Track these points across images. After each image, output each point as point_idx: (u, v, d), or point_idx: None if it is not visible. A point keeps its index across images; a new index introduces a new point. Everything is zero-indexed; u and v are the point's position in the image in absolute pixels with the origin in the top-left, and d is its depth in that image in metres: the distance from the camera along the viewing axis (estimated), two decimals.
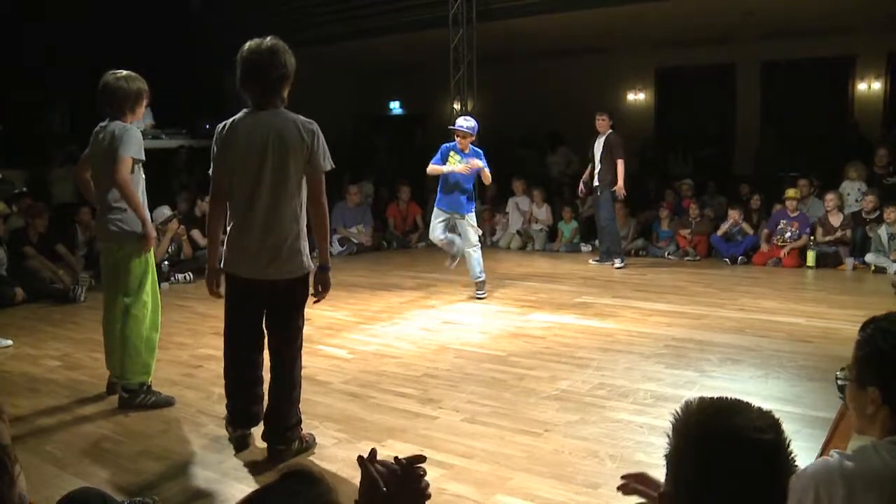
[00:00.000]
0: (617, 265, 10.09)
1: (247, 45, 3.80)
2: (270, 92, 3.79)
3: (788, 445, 1.48)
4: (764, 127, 13.66)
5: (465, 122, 7.99)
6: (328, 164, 3.87)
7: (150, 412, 4.74)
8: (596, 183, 10.15)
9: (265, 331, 4.01)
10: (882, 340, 1.86)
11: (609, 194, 10.05)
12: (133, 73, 4.85)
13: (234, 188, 3.87)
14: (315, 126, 3.84)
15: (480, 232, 8.41)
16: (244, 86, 3.81)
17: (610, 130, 10.07)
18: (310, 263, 3.94)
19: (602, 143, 10.07)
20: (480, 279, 8.16)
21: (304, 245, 3.89)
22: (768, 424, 1.47)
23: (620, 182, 9.89)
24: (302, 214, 3.88)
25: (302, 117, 3.84)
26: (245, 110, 3.86)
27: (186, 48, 13.91)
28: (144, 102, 4.90)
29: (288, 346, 3.96)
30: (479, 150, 8.02)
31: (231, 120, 3.88)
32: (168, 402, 4.89)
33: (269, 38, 3.80)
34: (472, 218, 8.10)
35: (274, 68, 3.75)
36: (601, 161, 10.06)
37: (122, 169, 4.64)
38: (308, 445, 4.08)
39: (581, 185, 10.67)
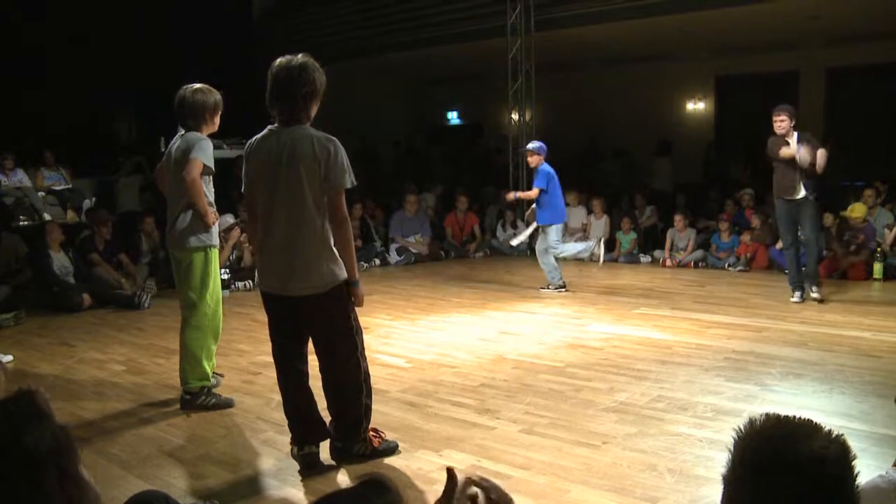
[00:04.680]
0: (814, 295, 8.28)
1: (277, 61, 3.79)
2: (297, 109, 3.76)
3: (855, 478, 1.39)
4: (828, 135, 13.38)
5: (531, 144, 9.27)
6: (348, 180, 3.77)
7: (212, 418, 4.84)
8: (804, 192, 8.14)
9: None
10: None
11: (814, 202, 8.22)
12: (206, 85, 5.00)
13: (258, 205, 3.89)
14: (333, 143, 3.76)
15: (524, 241, 9.73)
16: (272, 102, 3.80)
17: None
18: (338, 276, 3.82)
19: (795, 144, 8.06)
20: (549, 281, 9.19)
21: (330, 260, 3.80)
22: (834, 454, 1.37)
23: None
24: (325, 230, 3.80)
25: (321, 133, 3.78)
26: (270, 127, 3.86)
27: (246, 60, 14.20)
28: (219, 112, 5.05)
29: (334, 355, 3.94)
30: (545, 169, 8.95)
31: (256, 137, 3.90)
32: (228, 404, 5.03)
33: (300, 55, 3.79)
34: (545, 229, 9.04)
35: (302, 85, 3.73)
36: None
37: (193, 168, 4.78)
38: (375, 451, 4.07)
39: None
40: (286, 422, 4.08)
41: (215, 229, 5.07)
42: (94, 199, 12.32)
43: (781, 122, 8.11)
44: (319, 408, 4.06)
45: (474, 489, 1.51)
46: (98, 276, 9.12)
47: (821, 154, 7.89)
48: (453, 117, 19.28)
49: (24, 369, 6.16)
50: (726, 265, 10.67)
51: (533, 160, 9.11)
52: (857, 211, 9.91)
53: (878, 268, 9.48)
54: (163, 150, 8.58)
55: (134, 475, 3.93)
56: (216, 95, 5.00)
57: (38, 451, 1.41)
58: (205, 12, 14.78)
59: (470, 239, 13.02)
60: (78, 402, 5.19)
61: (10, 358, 6.48)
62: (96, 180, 12.92)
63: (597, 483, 3.68)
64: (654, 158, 14.45)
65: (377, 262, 11.88)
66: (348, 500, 1.36)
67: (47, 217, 10.70)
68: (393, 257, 12.13)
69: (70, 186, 12.16)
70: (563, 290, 9.09)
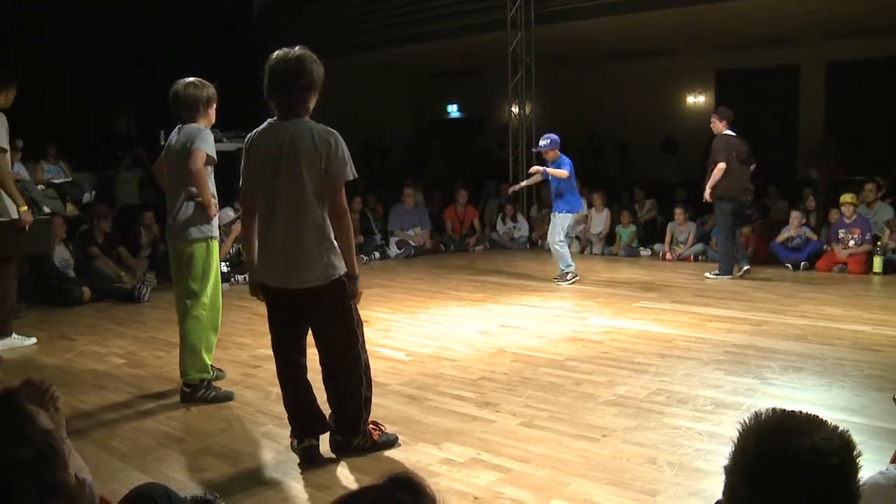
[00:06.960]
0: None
1: (274, 54, 3.76)
2: (295, 101, 3.74)
3: (857, 471, 1.39)
4: (828, 129, 13.36)
5: (541, 142, 9.31)
6: (349, 173, 3.76)
7: (211, 411, 4.84)
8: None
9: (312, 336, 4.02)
10: None
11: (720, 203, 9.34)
12: (200, 79, 5.01)
13: (258, 198, 3.88)
14: (333, 135, 3.74)
15: (564, 232, 9.42)
16: (270, 95, 3.77)
17: (723, 132, 9.36)
18: (338, 268, 3.81)
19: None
20: (562, 271, 9.33)
21: (330, 253, 3.79)
22: (835, 448, 1.37)
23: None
24: (326, 223, 3.79)
25: (321, 126, 3.76)
26: (270, 120, 3.84)
27: (246, 54, 14.16)
28: (214, 105, 5.05)
29: (334, 348, 3.93)
30: (565, 158, 9.22)
31: (255, 131, 3.88)
32: (227, 397, 5.04)
33: (297, 48, 3.77)
34: (559, 217, 9.29)
35: (300, 77, 3.71)
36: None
37: (197, 159, 4.79)
38: (375, 444, 4.08)
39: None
40: (286, 415, 4.08)
41: (216, 221, 5.06)
42: (93, 192, 12.30)
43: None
44: (319, 401, 4.06)
45: None
46: (98, 269, 9.12)
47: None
48: (453, 110, 19.26)
49: (24, 362, 6.17)
50: None
51: (551, 155, 9.23)
52: (849, 197, 9.94)
53: (877, 262, 9.47)
54: (162, 143, 8.64)
55: (134, 468, 3.93)
56: (209, 88, 5.01)
57: (11, 463, 1.35)
58: (205, 9, 14.73)
59: (470, 232, 13.03)
60: (78, 394, 5.19)
61: (33, 340, 6.77)
62: (96, 174, 12.91)
63: (596, 476, 3.68)
64: (661, 155, 14.46)
65: (377, 255, 11.89)
66: (380, 502, 1.30)
67: (47, 210, 10.68)
68: (392, 250, 12.13)
69: (70, 180, 12.13)
70: (576, 279, 9.30)
